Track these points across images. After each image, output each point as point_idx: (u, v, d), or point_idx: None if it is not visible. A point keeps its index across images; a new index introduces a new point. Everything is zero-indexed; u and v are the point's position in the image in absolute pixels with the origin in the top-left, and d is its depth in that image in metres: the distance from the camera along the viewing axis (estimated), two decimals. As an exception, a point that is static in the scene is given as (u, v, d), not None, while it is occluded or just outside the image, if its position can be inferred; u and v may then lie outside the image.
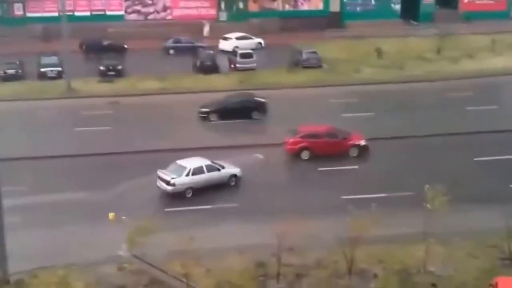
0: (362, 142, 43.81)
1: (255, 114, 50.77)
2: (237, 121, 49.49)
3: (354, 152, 43.48)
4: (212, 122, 49.93)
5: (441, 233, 31.35)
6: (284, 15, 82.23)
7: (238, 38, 71.89)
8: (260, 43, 72.36)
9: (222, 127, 48.95)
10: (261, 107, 51.31)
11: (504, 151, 43.65)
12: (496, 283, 26.20)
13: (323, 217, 34.47)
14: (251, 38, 72.50)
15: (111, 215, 33.54)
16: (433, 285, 29.44)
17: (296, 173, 41.75)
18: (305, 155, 43.11)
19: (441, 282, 29.58)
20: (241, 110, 50.52)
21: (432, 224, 29.89)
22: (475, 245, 32.14)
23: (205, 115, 50.59)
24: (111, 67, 61.58)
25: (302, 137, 43.46)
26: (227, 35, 72.76)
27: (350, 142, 43.64)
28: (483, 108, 52.37)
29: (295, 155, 43.24)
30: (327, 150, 42.90)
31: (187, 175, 37.81)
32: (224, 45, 71.24)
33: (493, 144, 45.13)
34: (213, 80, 60.69)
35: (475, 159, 42.83)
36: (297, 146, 43.22)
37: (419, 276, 30.03)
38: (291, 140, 43.49)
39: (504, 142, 45.63)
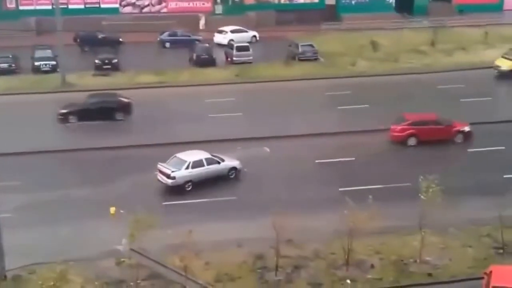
0: (467, 128, 44.46)
1: (119, 115, 49.27)
2: (98, 122, 48.24)
3: (459, 138, 44.20)
4: (71, 123, 48.29)
5: (436, 223, 31.83)
6: (280, 8, 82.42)
7: (232, 32, 72.06)
8: (254, 36, 72.57)
9: (85, 129, 47.78)
10: (125, 108, 49.72)
11: (498, 142, 44.07)
12: (490, 272, 26.57)
13: (320, 209, 34.88)
14: (245, 31, 72.69)
15: (112, 209, 33.90)
16: (429, 274, 29.85)
17: (296, 166, 42.02)
18: (412, 141, 43.86)
19: (436, 271, 29.98)
20: (103, 111, 48.70)
21: (428, 214, 30.28)
22: (469, 235, 32.59)
23: (64, 117, 48.71)
24: (106, 61, 61.63)
25: (409, 124, 44.24)
26: (221, 28, 72.93)
27: (456, 129, 44.36)
28: (477, 100, 52.80)
29: (402, 141, 43.94)
30: (434, 136, 43.65)
31: (187, 168, 38.05)
32: (218, 38, 71.43)
33: (487, 135, 45.54)
34: (210, 73, 60.93)
35: (468, 150, 43.25)
36: (405, 133, 43.96)
37: (415, 266, 30.42)
38: (398, 127, 44.17)
39: (497, 133, 46.06)
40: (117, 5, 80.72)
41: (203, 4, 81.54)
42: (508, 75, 57.60)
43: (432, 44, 68.99)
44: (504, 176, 38.80)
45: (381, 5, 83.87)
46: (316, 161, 41.84)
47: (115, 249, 31.37)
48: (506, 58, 58.90)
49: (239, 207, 36.04)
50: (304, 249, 31.51)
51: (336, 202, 34.51)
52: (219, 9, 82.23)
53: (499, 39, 70.64)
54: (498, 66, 58.70)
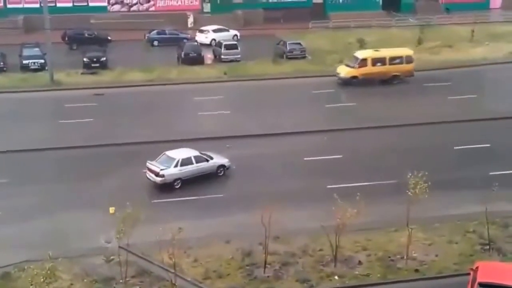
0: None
1: None
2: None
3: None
4: None
5: (423, 219, 32.11)
6: (267, 6, 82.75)
7: (214, 31, 72.27)
8: (236, 35, 72.66)
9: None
10: None
11: (483, 140, 44.42)
12: (477, 268, 26.82)
13: (308, 206, 35.13)
14: (227, 31, 72.84)
15: (111, 209, 33.91)
16: (416, 270, 30.09)
17: (284, 164, 42.20)
18: None
19: (423, 267, 30.23)
20: None
21: (414, 210, 30.53)
22: (455, 231, 32.84)
23: None
24: (94, 59, 61.74)
25: None
26: (203, 28, 73.17)
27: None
28: (463, 97, 53.18)
29: None
30: None
31: (176, 166, 38.16)
32: (200, 37, 71.49)
33: (472, 132, 45.94)
34: (198, 71, 61.16)
35: (455, 147, 43.58)
36: None
37: (402, 262, 30.63)
38: None
39: (482, 130, 46.44)
40: (105, 4, 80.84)
41: (191, 2, 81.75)
42: (349, 82, 56.91)
43: (419, 42, 69.40)
44: (490, 173, 39.13)
45: (369, 3, 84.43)
46: (305, 158, 42.06)
47: (104, 246, 31.50)
48: (346, 65, 58.20)
49: (227, 204, 36.17)
50: (292, 246, 31.69)
51: (324, 198, 34.79)
52: (207, 7, 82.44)
53: (486, 37, 71.24)
54: (338, 74, 57.76)
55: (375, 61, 57.81)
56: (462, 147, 43.39)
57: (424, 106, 51.34)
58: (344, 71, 57.80)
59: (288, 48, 65.29)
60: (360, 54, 58.77)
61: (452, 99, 52.91)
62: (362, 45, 65.64)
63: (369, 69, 57.38)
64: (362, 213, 29.33)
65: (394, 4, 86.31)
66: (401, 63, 58.21)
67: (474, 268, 27.04)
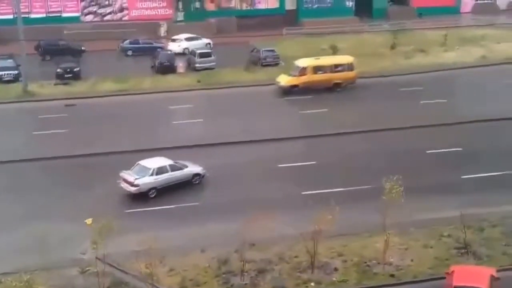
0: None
1: None
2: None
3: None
4: None
5: (398, 224, 32.27)
6: (241, 14, 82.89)
7: (187, 39, 72.25)
8: (209, 43, 72.66)
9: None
10: None
11: (455, 144, 44.70)
12: (452, 272, 27.01)
13: (284, 213, 35.15)
14: (199, 39, 72.84)
15: (88, 220, 33.61)
16: (392, 275, 30.22)
17: (259, 171, 42.26)
18: None
19: (399, 272, 30.36)
20: None
21: (389, 215, 30.63)
22: (430, 235, 33.03)
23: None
24: (68, 70, 61.50)
25: None
26: (175, 37, 73.15)
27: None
28: (436, 102, 53.59)
29: None
30: None
31: (151, 175, 38.10)
32: (173, 46, 71.39)
33: (445, 136, 46.28)
34: (172, 80, 61.13)
35: (427, 151, 43.85)
36: None
37: (378, 267, 30.76)
38: None
39: (454, 134, 46.81)
40: (78, 14, 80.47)
41: (164, 11, 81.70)
42: (289, 90, 56.70)
43: (392, 47, 69.90)
44: (463, 177, 39.44)
45: (341, 10, 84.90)
46: (279, 165, 42.14)
47: (80, 257, 31.33)
48: (286, 74, 58.03)
49: (203, 213, 36.12)
50: (269, 253, 31.71)
51: (299, 205, 34.90)
52: (180, 16, 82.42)
53: (458, 41, 71.93)
54: (278, 82, 57.57)
55: (315, 69, 57.59)
56: (435, 151, 43.67)
57: (397, 110, 51.66)
58: (284, 80, 57.56)
59: (261, 55, 65.44)
60: (300, 62, 58.49)
61: (425, 103, 53.27)
62: (335, 51, 65.97)
63: (309, 77, 57.12)
64: (338, 219, 29.43)
65: (367, 10, 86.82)
66: (342, 70, 58.09)
67: (449, 272, 27.22)
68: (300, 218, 31.93)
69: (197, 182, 39.74)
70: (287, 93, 56.84)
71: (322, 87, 57.06)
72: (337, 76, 57.81)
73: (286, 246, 32.07)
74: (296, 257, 31.31)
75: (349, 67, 58.53)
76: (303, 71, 57.44)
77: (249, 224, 28.96)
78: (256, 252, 31.50)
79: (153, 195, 38.05)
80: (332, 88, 57.34)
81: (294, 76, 57.48)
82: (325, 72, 57.68)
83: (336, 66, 58.28)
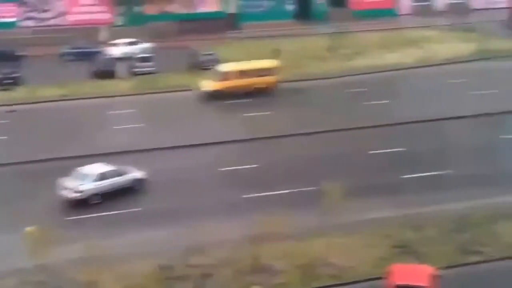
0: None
1: None
2: None
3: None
4: None
5: (339, 225, 32.52)
6: (182, 18, 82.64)
7: (127, 44, 71.72)
8: (149, 48, 72.12)
9: None
10: None
11: (398, 144, 45.28)
12: (392, 271, 27.28)
13: (226, 217, 35.18)
14: (141, 43, 72.40)
15: (28, 229, 33.01)
16: (334, 276, 30.41)
17: (200, 175, 42.19)
18: None
19: (342, 273, 30.61)
20: None
21: (331, 217, 30.88)
22: (372, 235, 33.29)
23: None
24: (7, 75, 60.57)
25: None
26: (115, 41, 72.57)
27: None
28: (376, 103, 54.26)
29: None
30: None
31: (92, 181, 37.70)
32: (113, 51, 70.78)
33: (387, 137, 46.88)
34: (112, 85, 60.64)
35: (370, 152, 44.36)
36: None
37: (321, 268, 30.94)
38: None
39: (394, 135, 47.45)
40: (17, 19, 79.28)
41: (104, 16, 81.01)
42: (212, 96, 56.57)
43: (332, 49, 70.48)
44: (404, 177, 39.98)
45: (282, 13, 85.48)
46: (220, 169, 42.11)
47: (19, 267, 30.79)
48: (210, 79, 58.00)
49: (145, 218, 35.84)
50: (211, 257, 31.63)
51: (240, 208, 34.94)
52: (120, 20, 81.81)
53: (396, 43, 73.00)
54: (201, 88, 57.45)
55: (238, 74, 57.41)
56: (377, 151, 44.17)
57: (339, 112, 52.16)
58: (206, 85, 57.37)
59: (201, 59, 65.35)
60: (223, 67, 58.41)
61: (367, 104, 53.86)
62: (276, 54, 66.20)
63: (232, 82, 56.91)
64: (280, 221, 29.55)
65: (307, 13, 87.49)
66: (265, 75, 57.99)
67: (390, 271, 27.50)
68: (242, 221, 31.95)
69: (138, 187, 39.47)
70: (210, 98, 56.34)
71: (245, 92, 56.62)
72: (259, 81, 57.60)
73: (230, 250, 31.98)
74: (240, 260, 31.28)
75: (272, 71, 58.32)
76: (225, 76, 57.15)
77: (192, 229, 28.88)
78: (200, 257, 31.43)
79: (94, 202, 37.63)
80: (254, 93, 56.83)
81: (217, 81, 57.15)
82: (247, 77, 57.35)
83: (258, 70, 58.01)
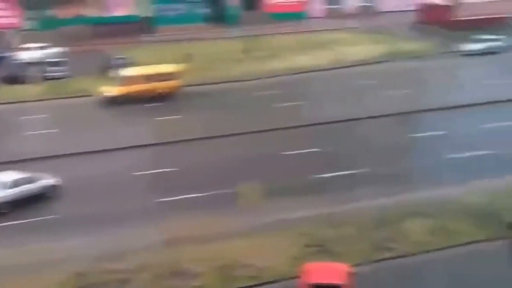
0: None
1: None
2: None
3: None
4: None
5: (256, 226, 32.69)
6: (95, 22, 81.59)
7: (37, 48, 70.33)
8: (61, 52, 70.92)
9: None
10: None
11: (312, 145, 45.85)
12: (306, 270, 27.49)
13: (141, 221, 34.92)
14: (51, 48, 71.08)
15: None
16: (253, 277, 30.52)
17: (115, 180, 41.72)
18: None
19: (261, 273, 30.65)
20: None
21: (249, 218, 30.98)
22: (288, 235, 33.50)
23: None
24: None
25: None
26: (25, 45, 71.03)
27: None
28: (289, 105, 54.78)
29: None
30: None
31: (3, 189, 36.82)
32: (23, 55, 69.22)
33: (301, 138, 47.40)
34: (21, 90, 59.44)
35: (283, 153, 44.69)
36: None
37: (240, 270, 30.99)
38: None
39: (308, 136, 48.05)
40: None
41: (14, 19, 79.07)
42: (112, 101, 56.28)
43: (246, 52, 70.82)
44: (318, 176, 40.47)
45: (195, 17, 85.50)
46: (134, 173, 41.78)
47: None
48: (110, 85, 57.80)
49: (59, 225, 35.20)
50: (129, 262, 31.31)
51: (157, 213, 34.72)
52: (32, 24, 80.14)
53: (309, 45, 73.98)
54: (102, 93, 57.17)
55: (140, 79, 57.10)
56: (291, 152, 44.56)
57: (252, 115, 52.47)
58: (107, 90, 56.83)
59: (113, 63, 64.63)
60: (124, 72, 58.04)
61: (281, 106, 54.34)
62: (188, 58, 66.16)
63: (133, 87, 56.48)
64: (198, 224, 29.51)
65: (220, 17, 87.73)
66: (167, 79, 57.84)
67: (304, 270, 27.72)
68: (159, 225, 31.75)
69: (51, 194, 38.73)
70: (110, 104, 55.76)
71: (150, 97, 56.21)
72: (162, 86, 57.34)
73: (146, 255, 31.75)
74: (157, 265, 31.09)
75: (174, 76, 58.17)
76: (126, 80, 56.63)
77: (108, 235, 28.53)
78: (117, 262, 31.06)
79: (6, 210, 36.69)
80: (156, 97, 56.46)
81: (117, 86, 56.56)
82: (149, 82, 56.92)
83: (160, 75, 57.71)
